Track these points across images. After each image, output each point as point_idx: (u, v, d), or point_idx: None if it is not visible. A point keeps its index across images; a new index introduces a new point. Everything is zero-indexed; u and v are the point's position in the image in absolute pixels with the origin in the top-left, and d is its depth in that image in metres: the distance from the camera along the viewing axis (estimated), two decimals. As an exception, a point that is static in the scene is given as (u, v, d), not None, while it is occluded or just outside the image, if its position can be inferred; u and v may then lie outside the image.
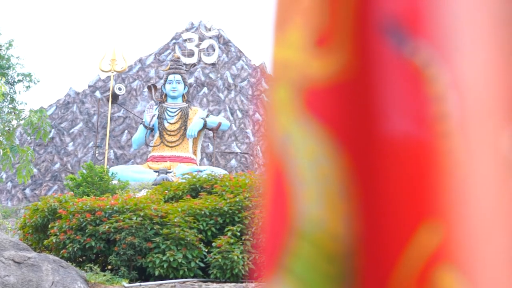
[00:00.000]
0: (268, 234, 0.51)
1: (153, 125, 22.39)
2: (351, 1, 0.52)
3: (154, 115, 22.33)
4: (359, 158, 0.49)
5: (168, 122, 22.28)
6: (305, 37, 0.54)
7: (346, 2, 0.52)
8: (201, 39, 29.22)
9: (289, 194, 0.50)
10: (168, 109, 22.47)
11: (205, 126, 22.41)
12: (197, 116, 22.46)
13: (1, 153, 11.05)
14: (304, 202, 0.49)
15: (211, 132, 23.06)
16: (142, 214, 10.60)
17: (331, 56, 0.52)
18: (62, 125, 27.03)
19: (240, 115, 28.06)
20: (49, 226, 11.04)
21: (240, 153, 27.13)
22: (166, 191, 12.55)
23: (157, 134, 22.45)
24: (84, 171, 16.83)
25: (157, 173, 20.50)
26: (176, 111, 22.43)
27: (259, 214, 0.52)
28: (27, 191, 25.39)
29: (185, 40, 29.24)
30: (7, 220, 17.47)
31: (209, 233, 10.94)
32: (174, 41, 29.64)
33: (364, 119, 0.50)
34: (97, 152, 24.89)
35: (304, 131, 0.51)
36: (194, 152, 22.38)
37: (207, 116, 22.86)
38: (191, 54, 28.71)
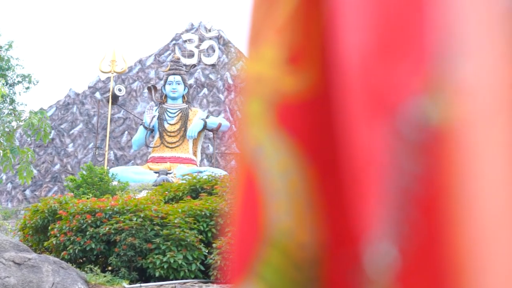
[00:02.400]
0: (239, 241, 0.54)
1: (153, 126, 22.38)
2: (323, 21, 0.54)
3: (154, 116, 22.32)
4: (326, 171, 0.52)
5: (168, 123, 22.27)
6: (278, 54, 0.57)
7: (318, 22, 0.55)
8: (201, 40, 29.20)
9: (260, 204, 0.52)
10: (168, 110, 22.46)
11: (205, 127, 22.39)
12: (197, 117, 22.45)
13: (1, 154, 11.06)
14: (274, 212, 0.52)
15: (211, 133, 23.05)
16: (142, 215, 10.61)
17: (302, 73, 0.54)
18: (62, 126, 27.04)
19: (240, 116, 28.02)
20: (49, 227, 11.04)
21: (240, 153, 27.12)
22: (167, 192, 12.56)
23: (157, 135, 22.44)
24: (84, 172, 16.81)
25: (157, 174, 20.50)
26: (176, 112, 22.42)
27: (230, 222, 0.54)
28: (27, 192, 25.40)
29: (185, 41, 29.23)
30: (7, 221, 17.48)
31: (209, 234, 10.94)
32: (174, 42, 29.62)
33: (332, 134, 0.52)
34: (97, 153, 24.89)
35: (276, 144, 0.53)
36: (194, 153, 22.37)
37: (207, 117, 22.85)
38: (191, 55, 28.70)
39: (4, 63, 24.25)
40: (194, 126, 22.13)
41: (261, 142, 0.54)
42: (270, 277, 0.51)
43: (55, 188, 25.24)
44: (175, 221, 10.66)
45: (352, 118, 0.51)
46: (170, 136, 22.21)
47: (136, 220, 10.48)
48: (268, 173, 0.53)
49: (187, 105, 22.70)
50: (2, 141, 11.38)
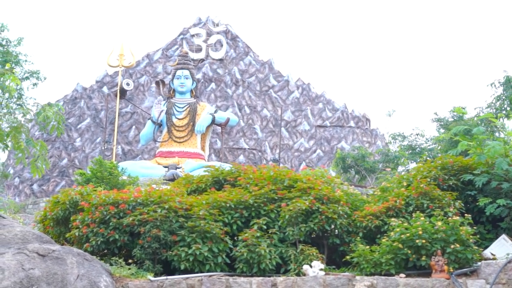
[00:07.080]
0: None
1: (161, 121, 22.25)
2: None
3: (162, 111, 22.19)
4: None
5: (176, 118, 22.12)
6: None
7: None
8: (209, 34, 29.09)
9: None
10: (176, 104, 22.30)
11: (213, 121, 22.24)
12: (205, 112, 22.30)
13: (14, 148, 10.87)
14: None
15: (219, 127, 22.90)
16: (166, 206, 10.43)
17: None
18: (69, 121, 26.86)
19: (248, 110, 27.91)
20: (71, 219, 10.84)
21: (248, 148, 26.98)
22: (189, 184, 12.37)
23: (165, 130, 22.29)
24: (93, 166, 16.61)
25: (166, 169, 20.34)
26: (184, 106, 22.26)
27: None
28: (35, 186, 25.21)
29: (192, 36, 29.11)
30: (16, 215, 17.30)
31: (234, 227, 10.75)
32: (181, 36, 29.50)
33: None
34: (105, 147, 24.72)
35: None
36: (203, 148, 22.22)
37: (215, 111, 22.72)
38: (198, 50, 28.57)
39: (12, 58, 24.16)
40: (203, 120, 21.98)
41: None
42: None
43: (63, 182, 25.06)
44: (200, 213, 10.48)
45: None
46: (178, 130, 22.07)
47: (161, 211, 10.30)
48: None
49: (195, 100, 22.56)
50: (16, 134, 11.18)
